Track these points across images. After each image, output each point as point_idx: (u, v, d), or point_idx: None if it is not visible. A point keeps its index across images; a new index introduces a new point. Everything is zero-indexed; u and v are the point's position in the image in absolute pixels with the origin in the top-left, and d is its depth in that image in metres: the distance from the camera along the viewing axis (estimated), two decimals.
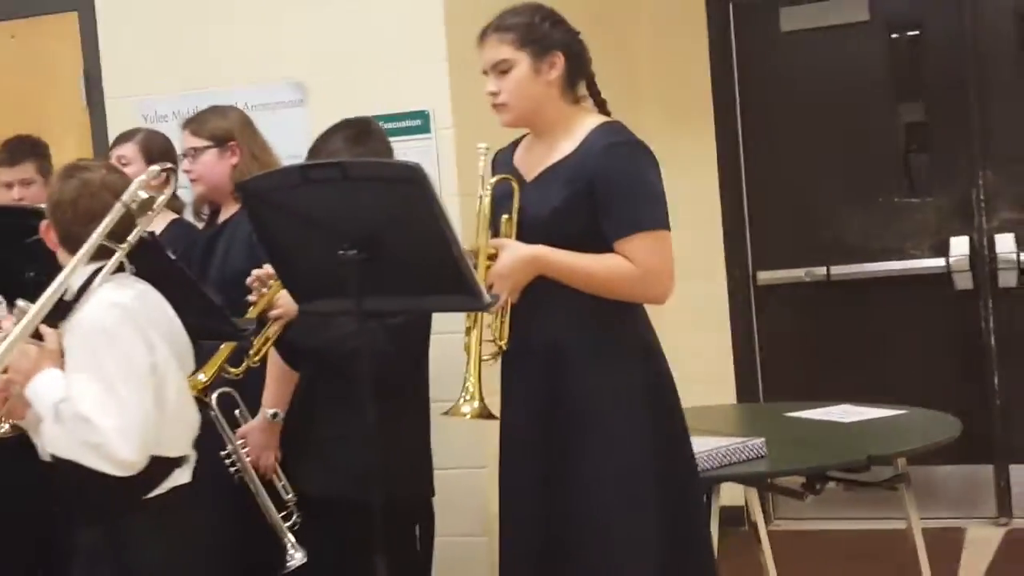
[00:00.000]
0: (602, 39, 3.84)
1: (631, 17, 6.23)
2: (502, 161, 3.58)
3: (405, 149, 4.60)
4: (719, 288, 6.37)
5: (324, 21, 4.97)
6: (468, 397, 3.26)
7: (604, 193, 3.33)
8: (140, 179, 3.21)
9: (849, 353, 6.25)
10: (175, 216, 4.56)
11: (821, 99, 6.23)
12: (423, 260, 3.10)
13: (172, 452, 3.17)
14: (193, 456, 3.26)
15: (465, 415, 3.26)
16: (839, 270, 6.25)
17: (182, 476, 3.20)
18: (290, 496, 3.99)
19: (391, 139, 4.17)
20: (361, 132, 4.02)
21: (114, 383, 3.03)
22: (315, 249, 3.20)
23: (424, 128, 4.82)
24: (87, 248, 3.14)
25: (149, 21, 5.14)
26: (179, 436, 3.22)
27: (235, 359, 3.84)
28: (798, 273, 6.32)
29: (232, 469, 3.92)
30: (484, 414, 3.29)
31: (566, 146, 3.42)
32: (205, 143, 4.29)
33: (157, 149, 4.50)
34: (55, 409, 3.05)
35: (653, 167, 3.40)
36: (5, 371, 3.13)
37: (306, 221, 3.19)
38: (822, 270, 6.27)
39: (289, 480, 4.00)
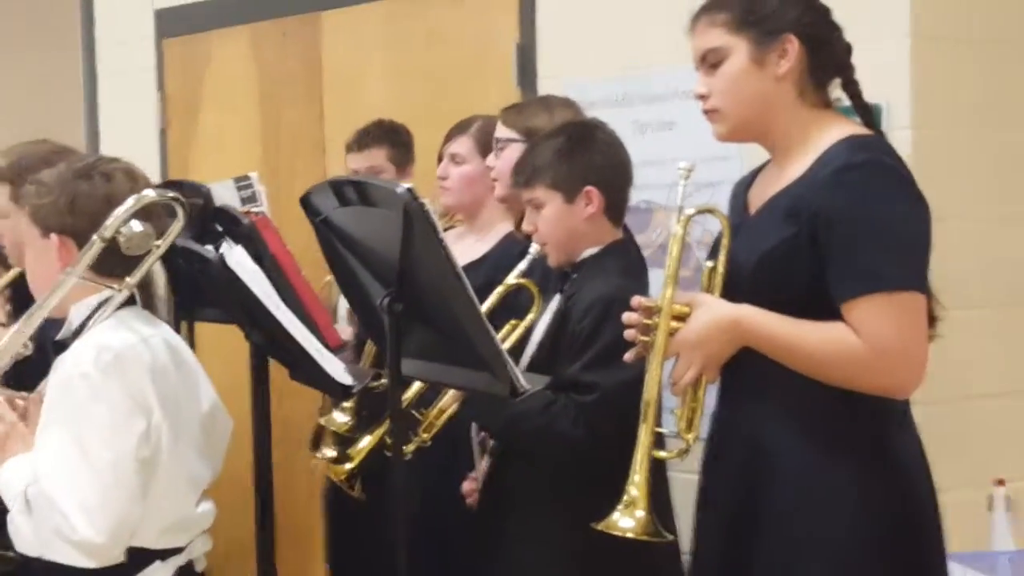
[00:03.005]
0: None
1: None
2: (737, 192, 2.78)
3: None
4: None
5: None
6: (628, 505, 2.50)
7: (828, 235, 2.45)
8: (127, 206, 2.59)
9: None
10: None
11: None
12: (445, 318, 2.48)
13: (150, 543, 2.63)
14: (191, 551, 2.73)
15: (624, 531, 2.50)
16: None
17: (159, 573, 2.65)
18: None
19: None
20: (575, 141, 3.13)
21: (88, 445, 2.54)
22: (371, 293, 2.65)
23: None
24: (56, 290, 2.61)
25: None
26: (165, 524, 2.66)
27: None
28: None
29: None
30: (650, 531, 2.49)
31: (795, 168, 2.55)
32: (514, 136, 3.52)
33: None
34: (24, 497, 2.59)
35: (908, 200, 2.48)
36: None
37: (356, 255, 2.68)
38: None
39: None
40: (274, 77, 5.20)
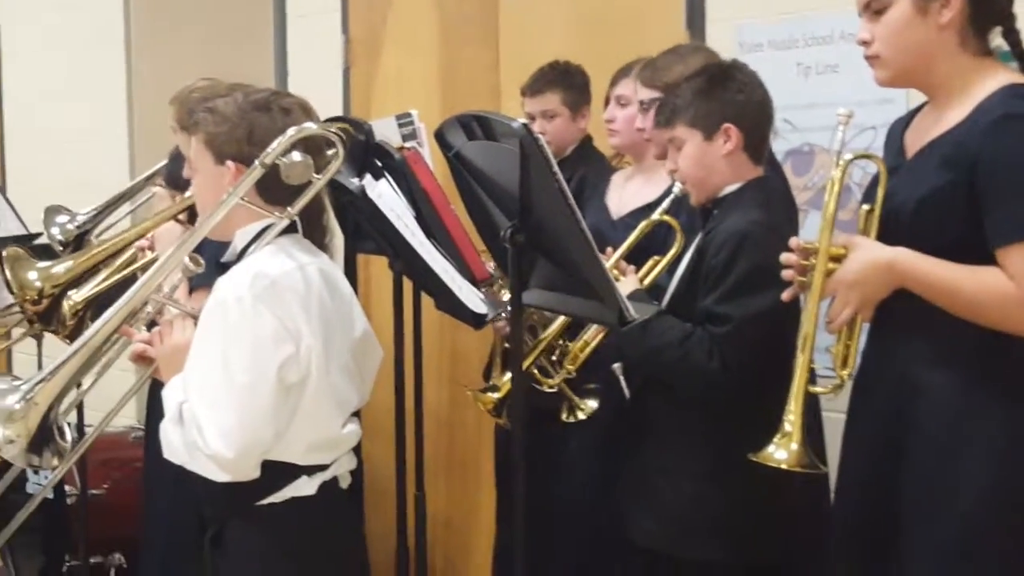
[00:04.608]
0: None
1: None
2: (893, 134, 2.80)
3: None
4: None
5: None
6: (784, 437, 2.58)
7: (986, 182, 2.48)
8: (288, 135, 2.65)
9: None
10: None
11: None
12: (560, 248, 2.49)
13: (297, 459, 2.70)
14: (336, 468, 2.78)
15: (779, 463, 2.59)
16: None
17: (305, 487, 2.72)
18: None
19: None
20: (714, 80, 3.14)
21: (232, 366, 2.61)
22: (499, 225, 2.66)
23: None
24: (217, 210, 2.68)
25: None
26: (311, 442, 2.72)
27: None
28: None
29: None
30: (805, 463, 2.58)
31: (955, 114, 2.58)
32: (655, 95, 3.47)
33: None
34: (179, 409, 2.68)
35: None
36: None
37: (484, 188, 2.68)
38: None
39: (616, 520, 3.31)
40: (454, 20, 5.23)
